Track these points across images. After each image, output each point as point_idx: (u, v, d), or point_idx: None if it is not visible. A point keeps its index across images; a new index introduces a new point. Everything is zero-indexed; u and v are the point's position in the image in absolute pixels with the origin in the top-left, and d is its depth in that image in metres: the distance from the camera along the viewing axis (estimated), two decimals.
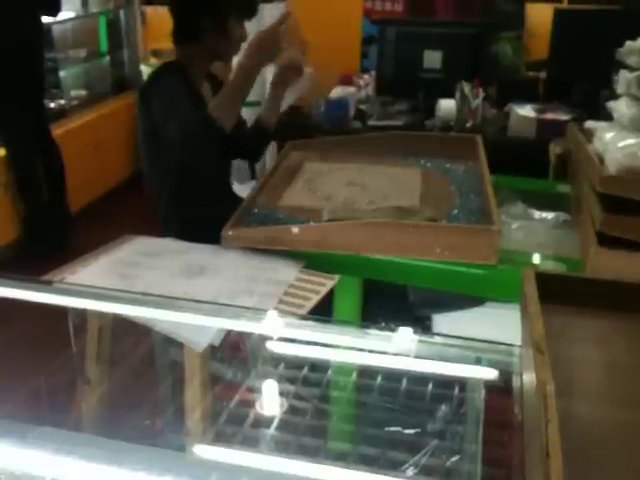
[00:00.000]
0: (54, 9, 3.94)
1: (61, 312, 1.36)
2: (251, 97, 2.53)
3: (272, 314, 1.29)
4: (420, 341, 1.15)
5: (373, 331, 1.20)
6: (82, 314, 1.48)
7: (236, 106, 1.89)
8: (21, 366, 1.45)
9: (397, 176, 2.09)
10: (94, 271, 1.55)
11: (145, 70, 4.96)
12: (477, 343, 1.13)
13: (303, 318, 1.33)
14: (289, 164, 2.22)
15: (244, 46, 2.04)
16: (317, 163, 2.23)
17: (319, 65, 4.42)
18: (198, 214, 1.79)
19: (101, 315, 1.53)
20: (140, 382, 1.71)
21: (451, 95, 3.11)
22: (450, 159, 2.22)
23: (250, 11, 2.11)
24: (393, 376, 1.52)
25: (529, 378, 0.76)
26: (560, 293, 0.93)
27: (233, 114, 1.87)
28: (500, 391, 1.19)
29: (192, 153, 1.84)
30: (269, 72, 2.22)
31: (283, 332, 1.29)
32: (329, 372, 1.57)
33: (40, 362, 1.35)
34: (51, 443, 0.68)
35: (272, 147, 3.55)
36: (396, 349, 1.17)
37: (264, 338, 1.48)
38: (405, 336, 1.16)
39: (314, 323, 1.24)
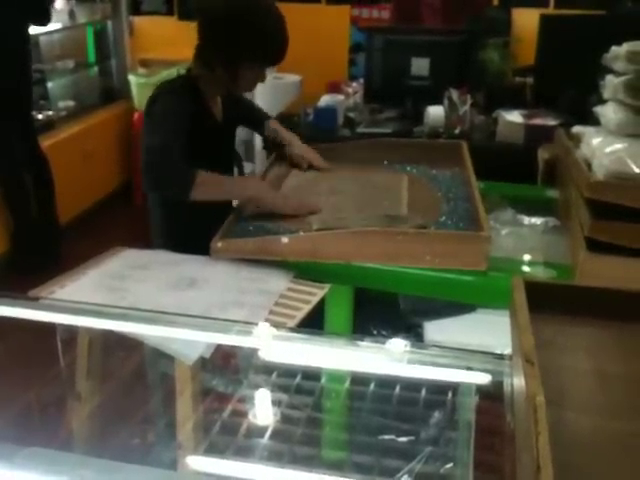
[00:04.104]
0: (44, 19, 3.90)
1: (49, 327, 1.35)
2: None
3: (263, 327, 1.28)
4: (411, 352, 1.15)
5: (364, 343, 1.19)
6: (71, 329, 1.47)
7: (215, 198, 1.79)
8: (10, 382, 1.44)
9: (384, 183, 2.09)
10: (83, 285, 1.54)
11: (133, 80, 4.95)
12: (468, 354, 1.13)
13: (294, 331, 1.32)
14: (277, 172, 2.21)
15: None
16: (305, 171, 2.23)
17: (307, 73, 4.46)
18: (190, 225, 1.78)
19: (91, 329, 1.52)
20: (131, 395, 1.70)
21: (439, 102, 3.12)
22: (436, 165, 2.22)
23: (267, 61, 1.94)
24: (386, 383, 1.52)
25: (519, 389, 0.76)
26: (550, 301, 0.94)
27: (206, 198, 1.75)
28: (492, 397, 1.19)
29: (150, 180, 1.73)
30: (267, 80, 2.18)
31: (274, 346, 1.28)
32: (322, 380, 1.56)
33: (29, 378, 1.34)
34: (40, 464, 0.67)
35: (261, 155, 3.55)
36: (388, 360, 1.17)
37: (256, 348, 1.48)
38: (396, 348, 1.16)
39: (305, 336, 1.23)
